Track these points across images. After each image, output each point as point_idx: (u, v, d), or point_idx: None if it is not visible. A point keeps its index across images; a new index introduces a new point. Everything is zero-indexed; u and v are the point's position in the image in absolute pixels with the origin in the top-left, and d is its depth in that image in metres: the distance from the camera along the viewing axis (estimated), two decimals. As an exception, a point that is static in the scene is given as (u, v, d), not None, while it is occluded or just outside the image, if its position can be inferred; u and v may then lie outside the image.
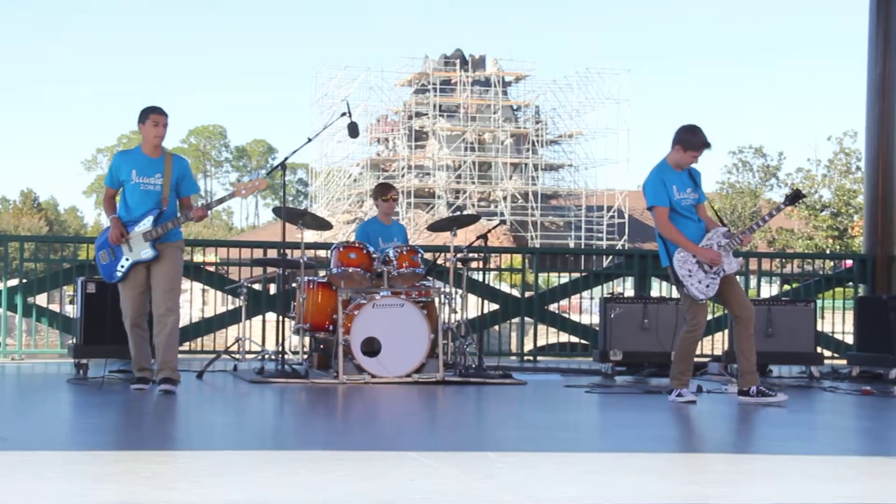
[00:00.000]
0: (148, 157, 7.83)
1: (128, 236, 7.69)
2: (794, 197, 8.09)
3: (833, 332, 12.41)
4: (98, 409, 7.12)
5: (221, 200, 8.52)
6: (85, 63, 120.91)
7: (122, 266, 7.72)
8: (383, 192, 9.77)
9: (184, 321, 10.55)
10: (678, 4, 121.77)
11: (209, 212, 8.24)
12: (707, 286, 7.58)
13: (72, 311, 10.51)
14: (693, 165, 7.78)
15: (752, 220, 44.02)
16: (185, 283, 12.16)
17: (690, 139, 7.62)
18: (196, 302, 11.75)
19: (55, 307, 11.91)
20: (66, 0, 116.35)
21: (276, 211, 9.41)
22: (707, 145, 7.66)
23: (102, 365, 8.88)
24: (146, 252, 7.68)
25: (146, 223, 7.69)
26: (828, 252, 33.84)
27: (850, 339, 11.67)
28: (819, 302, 11.55)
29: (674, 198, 7.63)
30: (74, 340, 9.22)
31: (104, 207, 7.99)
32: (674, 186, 7.64)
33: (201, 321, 11.81)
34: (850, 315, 11.77)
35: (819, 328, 10.79)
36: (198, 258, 12.12)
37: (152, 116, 7.80)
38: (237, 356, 9.88)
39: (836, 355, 11.85)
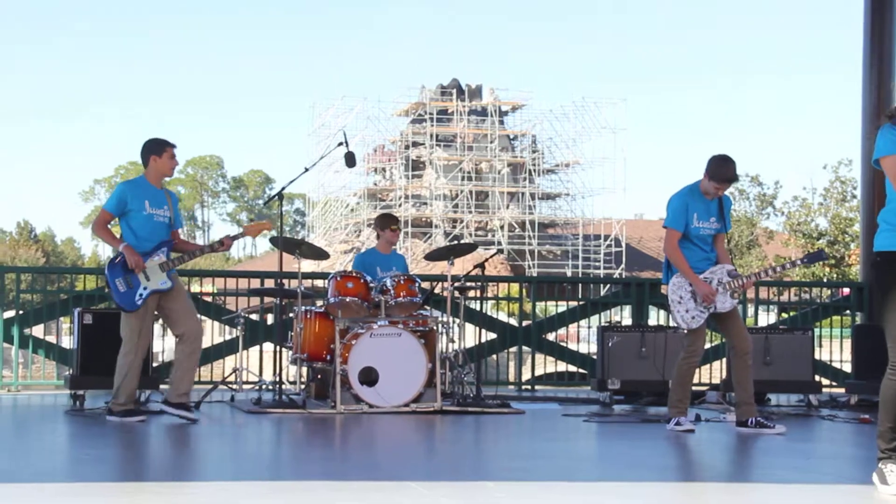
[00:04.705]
0: (155, 189, 7.93)
1: (144, 265, 7.74)
2: (815, 256, 8.05)
3: (831, 361, 12.41)
4: (96, 440, 7.10)
5: (236, 237, 8.58)
6: (82, 94, 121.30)
7: (141, 294, 7.76)
8: (390, 223, 9.81)
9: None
10: (675, 33, 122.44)
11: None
12: (692, 318, 7.58)
13: (68, 342, 10.50)
14: (725, 193, 7.80)
15: (749, 249, 44.07)
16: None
17: (716, 171, 7.64)
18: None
19: (52, 338, 11.90)
20: (61, 30, 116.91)
21: (273, 241, 9.43)
22: (730, 180, 7.69)
23: (99, 396, 8.87)
24: (164, 282, 7.79)
25: (161, 254, 7.80)
26: (825, 280, 33.85)
27: (847, 368, 11.67)
28: (817, 330, 11.56)
29: (691, 224, 7.64)
30: (71, 371, 9.21)
31: (100, 233, 7.93)
32: (695, 214, 7.66)
33: (199, 351, 11.78)
34: (847, 343, 11.77)
35: (817, 356, 10.79)
36: (195, 288, 12.13)
37: (169, 149, 7.94)
38: (234, 386, 9.87)
39: (834, 384, 11.84)
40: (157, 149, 7.92)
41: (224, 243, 8.11)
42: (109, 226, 7.94)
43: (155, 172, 7.93)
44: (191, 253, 8.02)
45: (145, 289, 7.75)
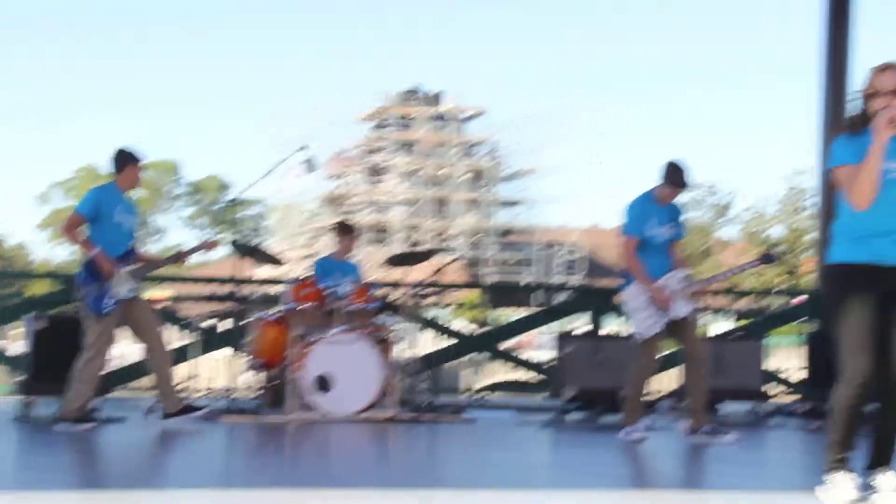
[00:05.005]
0: (125, 197, 8.05)
1: (115, 272, 7.77)
2: (766, 259, 8.12)
3: (783, 369, 12.50)
4: (47, 447, 7.01)
5: (190, 252, 8.63)
6: (37, 96, 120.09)
7: (108, 302, 7.77)
8: (349, 230, 9.81)
9: (134, 358, 10.45)
10: (634, 44, 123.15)
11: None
12: (649, 325, 7.61)
13: (14, 348, 10.36)
14: (675, 201, 7.84)
15: (704, 258, 44.37)
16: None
17: (671, 176, 7.67)
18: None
19: (3, 343, 11.73)
20: (15, 34, 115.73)
21: (235, 246, 9.37)
22: (685, 184, 7.72)
23: (51, 403, 8.75)
24: (131, 291, 7.84)
25: (129, 262, 7.86)
26: (780, 289, 34.15)
27: (800, 376, 11.76)
28: (769, 339, 11.64)
29: (649, 232, 7.67)
30: (23, 378, 9.08)
31: (70, 236, 7.93)
32: (653, 221, 7.69)
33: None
34: (799, 352, 11.87)
35: (770, 365, 10.86)
36: (149, 294, 12.02)
37: (140, 163, 8.13)
38: (185, 394, 9.78)
39: (786, 391, 11.92)
40: (133, 158, 8.07)
41: (180, 256, 8.32)
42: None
43: (128, 181, 8.05)
44: (153, 264, 8.18)
45: (113, 297, 7.76)
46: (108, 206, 7.87)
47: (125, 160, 8.05)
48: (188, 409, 8.10)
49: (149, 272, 8.11)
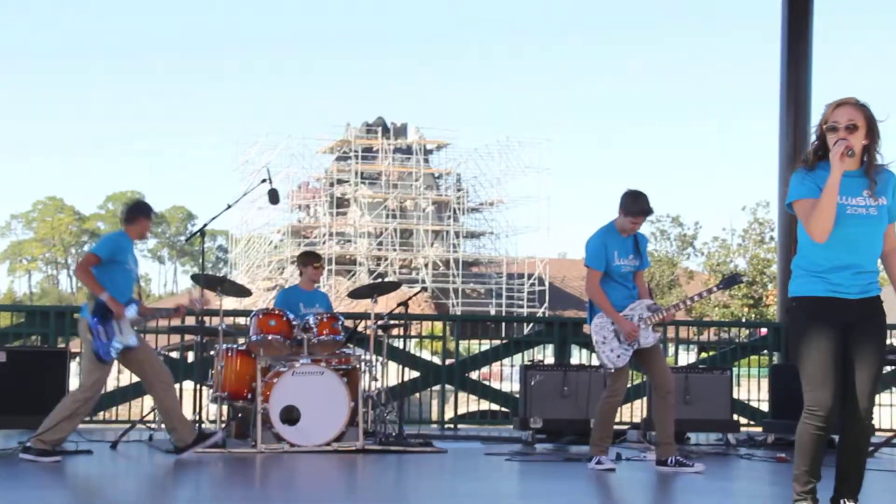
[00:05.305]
0: (134, 247, 8.25)
1: (124, 317, 7.89)
2: (731, 280, 8.16)
3: (749, 400, 12.58)
4: (7, 481, 6.91)
5: (186, 309, 8.66)
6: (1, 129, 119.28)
7: (115, 348, 7.90)
8: (313, 260, 9.82)
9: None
10: (598, 76, 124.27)
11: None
12: (618, 356, 7.64)
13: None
14: (639, 231, 7.87)
15: (670, 289, 44.62)
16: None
17: (630, 205, 7.70)
18: (112, 370, 11.58)
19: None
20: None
21: (194, 278, 9.33)
22: (644, 212, 7.74)
23: (11, 436, 8.66)
24: (133, 339, 7.97)
25: (132, 310, 7.95)
26: (743, 320, 34.40)
27: (765, 407, 11.83)
28: (735, 369, 11.71)
29: (612, 263, 7.70)
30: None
31: (84, 276, 7.95)
32: (615, 251, 7.72)
33: (116, 390, 11.55)
34: (765, 382, 11.95)
35: (735, 395, 10.92)
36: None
37: (153, 216, 8.38)
38: (153, 426, 9.70)
39: (752, 422, 11.99)
40: (147, 211, 8.29)
41: (179, 310, 8.43)
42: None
43: (137, 232, 8.21)
44: (152, 313, 8.29)
45: (119, 343, 7.89)
46: (122, 253, 8.06)
47: (139, 212, 8.28)
48: (202, 437, 8.17)
49: (148, 320, 8.16)
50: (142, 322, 8.10)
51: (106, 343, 7.86)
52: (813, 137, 5.15)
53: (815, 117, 5.20)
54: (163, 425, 9.53)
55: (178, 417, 8.19)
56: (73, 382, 10.44)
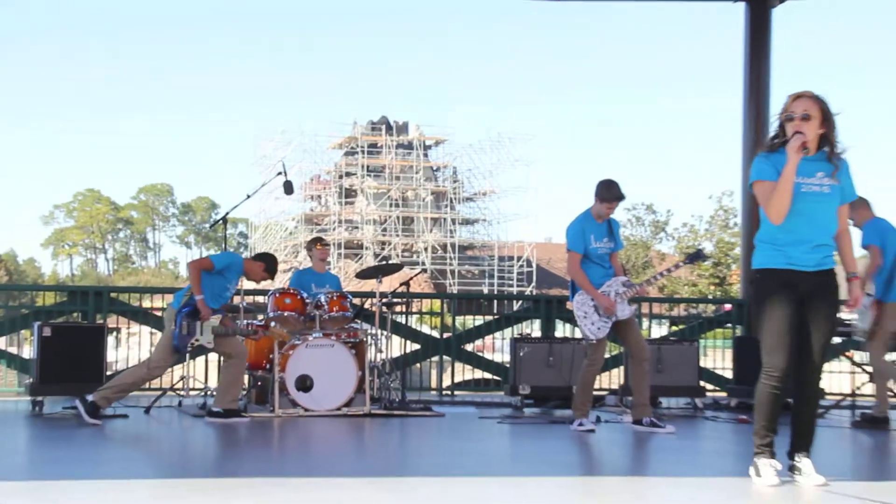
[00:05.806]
0: (240, 275, 8.40)
1: (209, 319, 8.06)
2: (695, 256, 8.20)
3: (714, 368, 12.60)
4: (56, 442, 6.94)
5: (263, 333, 8.69)
6: (38, 123, 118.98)
7: (192, 345, 8.10)
8: (317, 242, 9.85)
9: (133, 361, 10.38)
10: (579, 80, 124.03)
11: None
12: (598, 328, 7.67)
13: (28, 352, 10.25)
14: (612, 216, 7.89)
15: (644, 269, 44.64)
16: (135, 327, 11.99)
17: (605, 193, 7.73)
18: (145, 344, 11.58)
19: (14, 349, 11.61)
20: (20, 52, 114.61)
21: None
22: (619, 198, 7.77)
23: (57, 402, 8.68)
24: (209, 342, 8.09)
25: (215, 319, 8.10)
26: (710, 297, 34.39)
27: (729, 374, 11.86)
28: (702, 341, 11.74)
29: (590, 246, 7.73)
30: (31, 380, 9.00)
31: (194, 275, 8.06)
32: (591, 236, 7.74)
33: (149, 361, 11.56)
34: (729, 353, 11.98)
35: (702, 364, 10.95)
36: (146, 304, 11.95)
37: (266, 271, 8.45)
38: (182, 393, 9.72)
39: (717, 388, 12.02)
40: (269, 263, 8.44)
41: (258, 332, 8.48)
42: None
43: (253, 273, 8.38)
44: (231, 328, 8.23)
45: (196, 341, 8.05)
46: (231, 272, 8.21)
47: (261, 259, 8.47)
48: (235, 413, 8.14)
49: (226, 333, 8.16)
50: (220, 332, 8.11)
51: (186, 336, 7.98)
52: (774, 126, 5.17)
53: (776, 109, 5.22)
54: (191, 392, 9.59)
55: (228, 388, 8.19)
56: (110, 355, 10.50)
